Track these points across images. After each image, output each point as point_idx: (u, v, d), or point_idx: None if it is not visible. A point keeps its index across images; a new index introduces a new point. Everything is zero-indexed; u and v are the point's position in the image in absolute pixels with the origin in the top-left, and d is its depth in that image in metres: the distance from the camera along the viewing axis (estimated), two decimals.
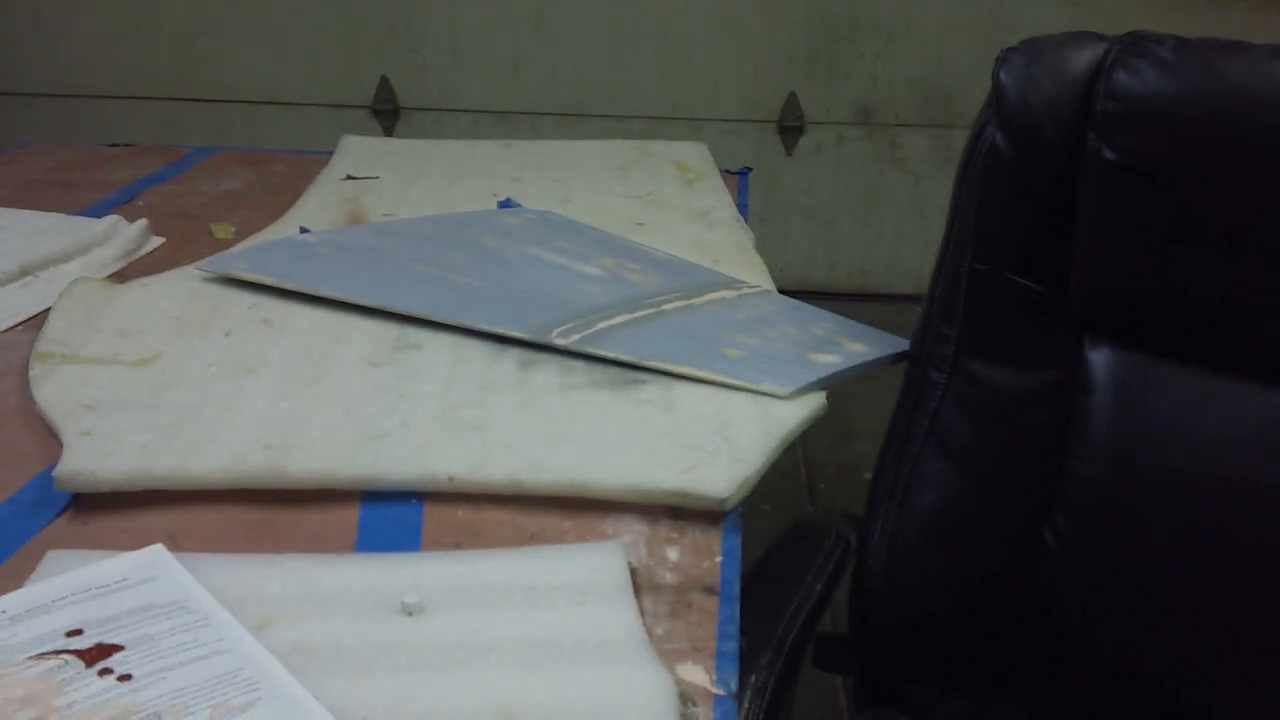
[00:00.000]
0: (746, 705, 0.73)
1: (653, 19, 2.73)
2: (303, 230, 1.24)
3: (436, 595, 0.67)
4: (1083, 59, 0.82)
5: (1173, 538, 0.84)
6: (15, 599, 0.65)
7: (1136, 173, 0.80)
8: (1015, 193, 0.85)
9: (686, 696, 0.61)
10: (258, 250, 1.17)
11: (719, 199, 1.41)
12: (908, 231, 2.90)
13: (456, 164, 1.53)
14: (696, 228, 1.31)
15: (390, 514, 0.77)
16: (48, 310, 1.02)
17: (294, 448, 0.81)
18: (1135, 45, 0.81)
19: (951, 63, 2.73)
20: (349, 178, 1.45)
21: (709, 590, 0.70)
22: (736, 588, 0.71)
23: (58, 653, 0.61)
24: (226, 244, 1.22)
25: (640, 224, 1.31)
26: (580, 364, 0.95)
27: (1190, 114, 0.79)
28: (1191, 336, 0.84)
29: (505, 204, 1.36)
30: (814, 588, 0.90)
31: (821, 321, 1.07)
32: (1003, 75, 0.84)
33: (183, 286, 1.08)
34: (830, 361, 0.97)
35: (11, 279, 1.11)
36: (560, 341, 0.97)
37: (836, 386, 0.94)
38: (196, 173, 1.50)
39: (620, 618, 0.66)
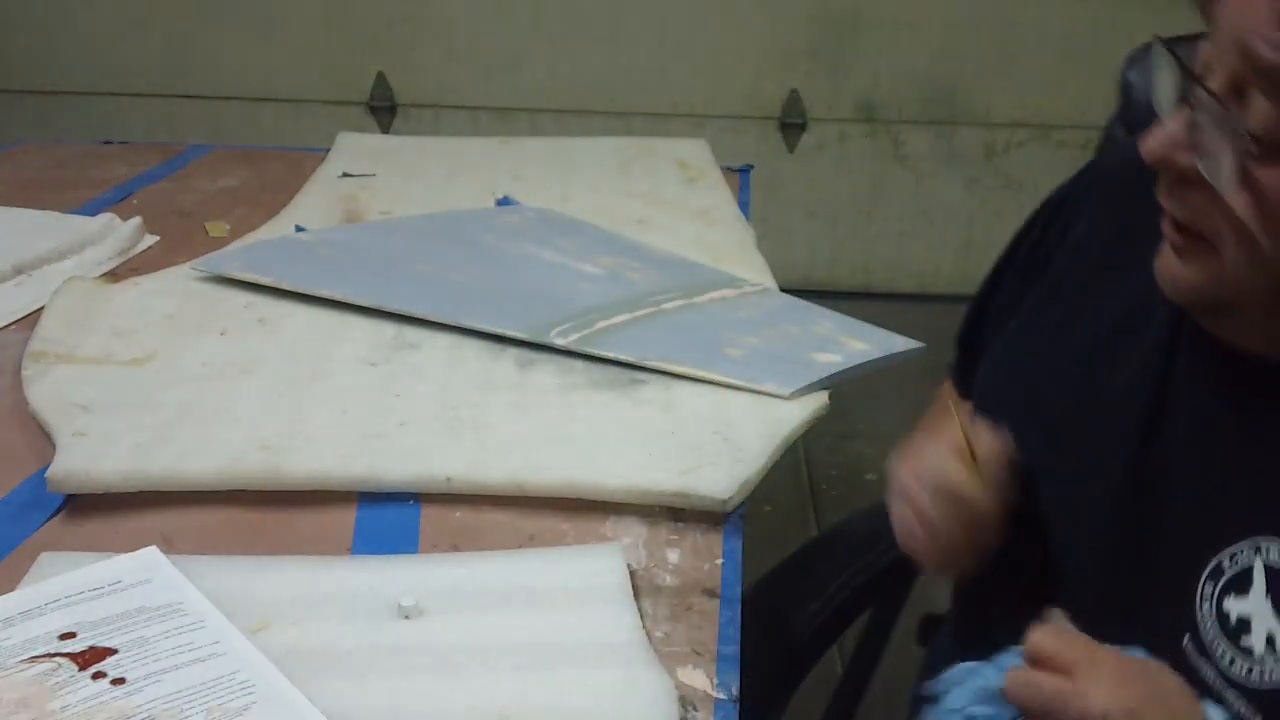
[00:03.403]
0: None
1: (653, 14, 2.72)
2: (298, 229, 1.23)
3: (434, 598, 0.66)
4: None
5: None
6: (8, 601, 0.64)
7: None
8: None
9: (687, 700, 0.60)
10: (253, 249, 1.16)
11: (720, 196, 1.40)
12: (910, 229, 2.89)
13: (454, 161, 1.52)
14: (697, 226, 1.30)
15: (387, 515, 0.77)
16: (41, 309, 1.01)
17: (290, 448, 0.80)
18: None
19: (955, 59, 2.72)
20: (345, 175, 1.44)
21: (710, 593, 0.69)
22: (738, 590, 0.70)
23: (51, 656, 0.60)
24: (221, 242, 1.22)
25: (640, 222, 1.30)
26: (579, 364, 0.94)
27: None
28: None
29: (504, 202, 1.35)
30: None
31: (823, 320, 1.06)
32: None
33: (177, 285, 1.08)
34: (832, 361, 0.96)
35: (4, 278, 1.11)
36: (559, 341, 0.96)
37: (838, 386, 0.93)
38: (191, 170, 1.49)
39: (620, 620, 0.65)
